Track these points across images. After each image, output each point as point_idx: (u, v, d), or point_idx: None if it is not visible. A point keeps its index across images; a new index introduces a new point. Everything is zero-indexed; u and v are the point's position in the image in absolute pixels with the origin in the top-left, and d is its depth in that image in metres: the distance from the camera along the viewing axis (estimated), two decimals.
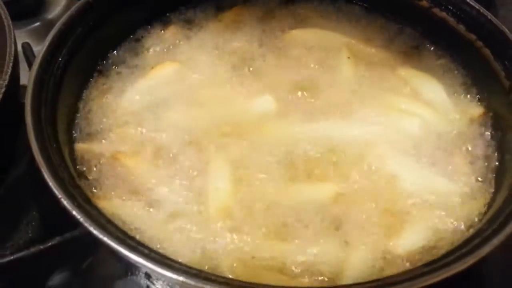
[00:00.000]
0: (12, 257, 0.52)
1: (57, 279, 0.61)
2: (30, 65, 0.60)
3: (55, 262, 0.56)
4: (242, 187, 0.51)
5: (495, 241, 0.41)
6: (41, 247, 0.52)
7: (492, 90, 0.56)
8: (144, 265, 0.39)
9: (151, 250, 0.42)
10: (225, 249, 0.47)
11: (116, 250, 0.40)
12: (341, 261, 0.46)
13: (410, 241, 0.47)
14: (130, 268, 0.54)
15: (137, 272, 0.56)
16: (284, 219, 0.49)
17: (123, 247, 0.40)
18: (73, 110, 0.55)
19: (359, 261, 0.46)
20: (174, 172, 0.52)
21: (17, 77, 0.58)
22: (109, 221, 0.44)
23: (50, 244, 0.53)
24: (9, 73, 0.54)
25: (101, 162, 0.52)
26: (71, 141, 0.52)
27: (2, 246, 0.56)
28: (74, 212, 0.41)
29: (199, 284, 0.38)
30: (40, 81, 0.50)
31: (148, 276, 0.54)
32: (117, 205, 0.48)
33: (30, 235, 0.58)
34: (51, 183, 0.42)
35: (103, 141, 0.54)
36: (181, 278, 0.38)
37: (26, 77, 0.51)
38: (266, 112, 0.57)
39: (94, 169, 0.51)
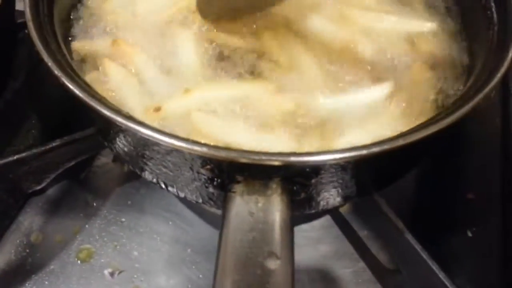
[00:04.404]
0: (14, 158, 0.54)
1: (57, 188, 0.63)
2: None
3: (55, 166, 0.58)
4: None
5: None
6: (43, 148, 0.54)
7: None
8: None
9: None
10: None
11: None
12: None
13: None
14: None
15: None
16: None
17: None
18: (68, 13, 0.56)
19: None
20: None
21: None
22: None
23: (50, 145, 0.54)
24: None
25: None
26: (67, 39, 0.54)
27: (3, 151, 0.58)
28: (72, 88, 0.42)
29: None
30: None
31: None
32: None
33: (31, 141, 0.60)
34: (49, 63, 0.43)
35: (96, 39, 0.55)
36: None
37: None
38: None
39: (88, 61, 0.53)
